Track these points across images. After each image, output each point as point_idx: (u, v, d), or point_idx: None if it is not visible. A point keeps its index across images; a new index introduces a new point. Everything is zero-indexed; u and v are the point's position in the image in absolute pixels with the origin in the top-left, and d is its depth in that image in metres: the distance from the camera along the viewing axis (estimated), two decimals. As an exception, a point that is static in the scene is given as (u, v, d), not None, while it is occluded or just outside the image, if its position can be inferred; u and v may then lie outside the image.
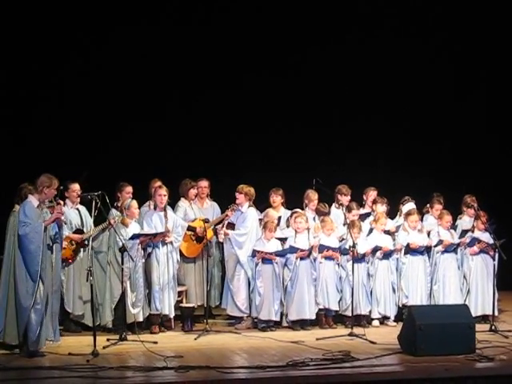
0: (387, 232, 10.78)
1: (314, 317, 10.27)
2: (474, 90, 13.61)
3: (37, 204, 8.64)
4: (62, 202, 8.90)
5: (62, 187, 9.27)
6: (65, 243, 9.60)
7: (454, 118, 13.50)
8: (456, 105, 13.53)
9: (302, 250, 10.19)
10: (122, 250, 9.25)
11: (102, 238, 10.05)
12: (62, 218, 8.79)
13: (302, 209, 10.77)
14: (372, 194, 11.17)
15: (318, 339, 9.38)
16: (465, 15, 13.38)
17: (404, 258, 10.68)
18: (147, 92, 12.30)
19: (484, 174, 13.35)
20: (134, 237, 9.64)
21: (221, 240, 10.60)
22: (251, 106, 12.78)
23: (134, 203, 9.95)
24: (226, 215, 10.62)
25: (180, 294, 10.42)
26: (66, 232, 9.75)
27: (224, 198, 10.94)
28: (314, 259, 10.31)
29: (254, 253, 10.18)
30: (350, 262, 10.09)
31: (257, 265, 10.17)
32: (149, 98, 12.31)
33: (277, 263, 10.19)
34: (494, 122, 13.77)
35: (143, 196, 10.58)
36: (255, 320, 10.27)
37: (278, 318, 10.23)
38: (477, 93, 13.64)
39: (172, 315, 10.08)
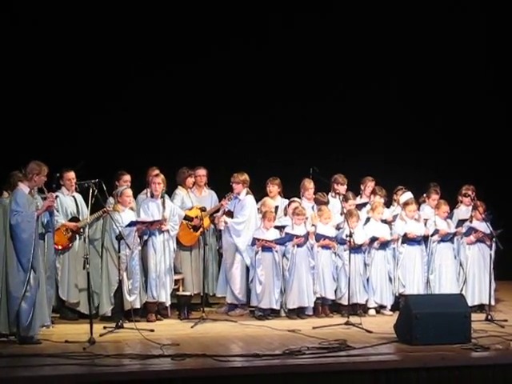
0: (384, 221, 10.79)
1: (312, 304, 10.28)
2: (472, 76, 13.59)
3: (27, 191, 8.60)
4: (53, 195, 8.86)
5: (58, 174, 9.26)
6: (61, 231, 9.61)
7: (453, 106, 13.49)
8: (454, 93, 13.50)
9: (298, 237, 10.19)
10: (119, 237, 9.25)
11: (96, 225, 10.03)
12: (54, 205, 8.77)
13: (299, 198, 10.78)
14: (370, 184, 11.16)
15: (314, 328, 9.38)
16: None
17: (401, 248, 10.69)
18: (146, 80, 12.27)
19: (483, 164, 13.33)
20: (132, 224, 9.64)
21: (221, 228, 10.60)
22: (250, 96, 12.75)
23: (127, 191, 9.93)
24: (222, 204, 10.62)
25: (176, 282, 10.42)
26: (62, 220, 9.76)
27: (222, 187, 10.93)
28: (312, 247, 10.32)
29: (254, 241, 10.19)
30: (347, 252, 10.11)
31: (257, 253, 10.18)
32: (148, 87, 12.28)
33: (277, 251, 10.20)
34: (492, 111, 13.74)
35: (141, 184, 10.57)
36: (253, 309, 10.28)
37: (278, 307, 10.23)
38: (475, 80, 13.63)
39: (168, 303, 10.09)
